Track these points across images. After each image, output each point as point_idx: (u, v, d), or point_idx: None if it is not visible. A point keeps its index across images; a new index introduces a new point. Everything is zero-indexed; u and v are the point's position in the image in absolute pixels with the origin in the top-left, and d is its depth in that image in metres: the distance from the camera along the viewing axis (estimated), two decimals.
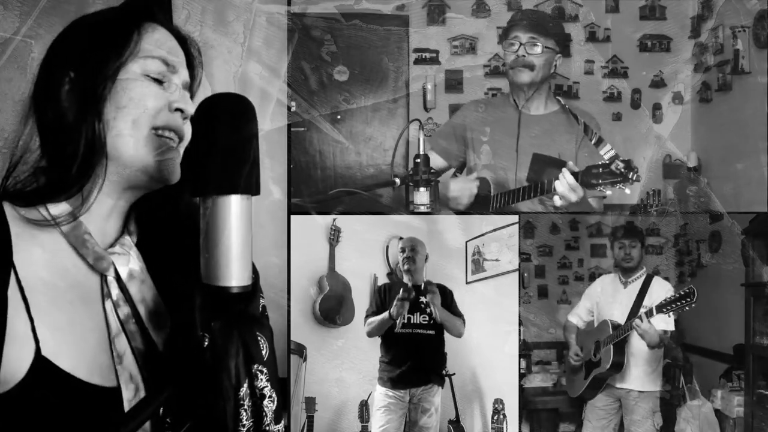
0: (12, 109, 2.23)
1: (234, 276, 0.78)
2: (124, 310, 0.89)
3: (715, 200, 2.41)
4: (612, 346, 2.32)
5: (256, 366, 0.80)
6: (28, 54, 2.20)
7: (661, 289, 2.37)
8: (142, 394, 0.87)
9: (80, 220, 0.88)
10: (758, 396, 2.28)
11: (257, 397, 0.80)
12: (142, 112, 0.89)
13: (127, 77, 0.90)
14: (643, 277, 2.40)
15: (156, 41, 0.93)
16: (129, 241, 0.93)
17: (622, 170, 1.97)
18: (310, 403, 2.22)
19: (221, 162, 0.78)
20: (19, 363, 0.81)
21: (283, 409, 0.85)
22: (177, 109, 0.92)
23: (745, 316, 2.29)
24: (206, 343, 0.78)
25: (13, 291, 0.83)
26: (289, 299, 2.21)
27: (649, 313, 2.23)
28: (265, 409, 0.81)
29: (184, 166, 0.93)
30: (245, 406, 0.80)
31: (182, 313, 0.81)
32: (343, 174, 2.47)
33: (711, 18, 2.48)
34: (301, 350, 2.23)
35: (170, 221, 0.95)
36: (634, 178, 1.98)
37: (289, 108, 2.34)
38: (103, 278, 0.89)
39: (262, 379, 0.81)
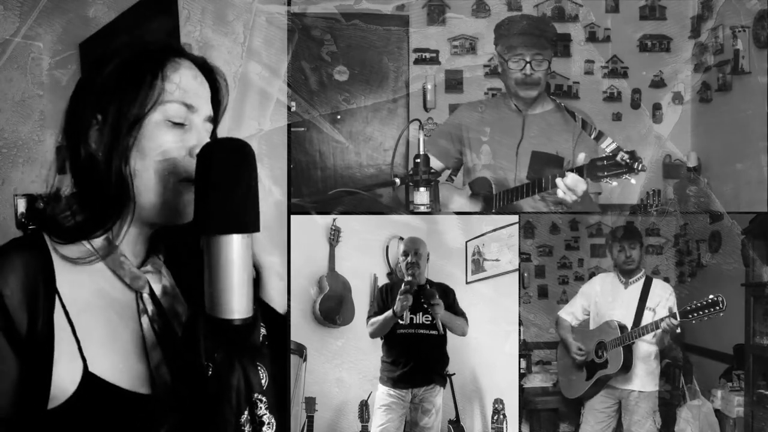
0: (12, 109, 2.23)
1: (235, 309, 0.83)
2: (160, 323, 0.95)
3: (715, 200, 2.41)
4: (622, 348, 2.32)
5: (256, 395, 0.85)
6: (28, 54, 2.20)
7: (662, 291, 2.37)
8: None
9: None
10: (758, 396, 2.28)
11: (257, 423, 0.85)
12: (165, 160, 0.93)
13: (150, 125, 0.93)
14: (643, 279, 2.40)
15: (177, 83, 0.95)
16: (159, 261, 1.00)
17: (627, 161, 1.96)
18: (310, 403, 2.22)
19: (221, 204, 0.83)
20: (68, 380, 0.88)
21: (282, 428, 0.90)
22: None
23: (745, 316, 2.29)
24: (210, 373, 0.83)
25: (58, 314, 0.89)
26: (289, 299, 2.21)
27: (674, 315, 2.22)
28: None
29: None
30: None
31: (187, 341, 0.86)
32: (343, 174, 2.48)
33: (711, 18, 2.48)
34: (301, 350, 2.23)
35: (193, 246, 0.98)
36: (639, 168, 1.97)
37: (289, 108, 2.34)
38: (138, 295, 0.95)
39: (261, 407, 0.85)
